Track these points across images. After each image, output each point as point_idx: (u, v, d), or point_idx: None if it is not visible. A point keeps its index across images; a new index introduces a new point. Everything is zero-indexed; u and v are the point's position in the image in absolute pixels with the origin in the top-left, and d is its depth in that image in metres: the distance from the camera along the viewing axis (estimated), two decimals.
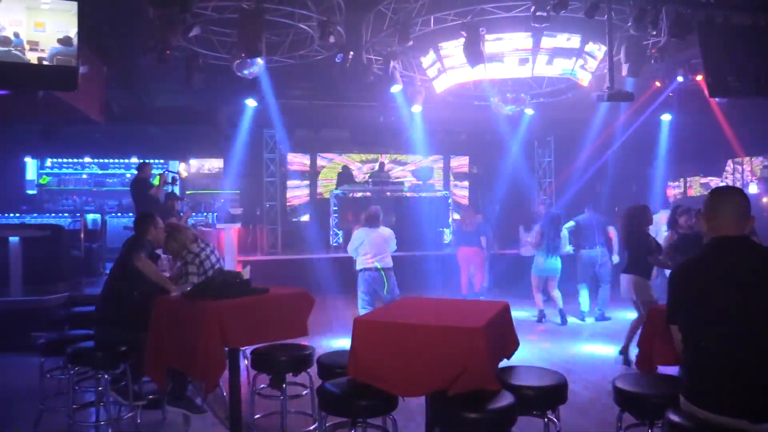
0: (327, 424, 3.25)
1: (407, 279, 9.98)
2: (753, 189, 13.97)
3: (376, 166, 14.93)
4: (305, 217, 15.43)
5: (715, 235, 2.52)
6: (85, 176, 14.13)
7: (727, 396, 2.30)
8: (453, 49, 9.30)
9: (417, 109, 11.58)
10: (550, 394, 3.11)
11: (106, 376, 4.14)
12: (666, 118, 13.07)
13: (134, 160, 13.73)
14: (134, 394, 4.30)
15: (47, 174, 13.84)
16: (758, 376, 2.26)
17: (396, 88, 9.92)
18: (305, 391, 4.30)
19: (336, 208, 13.43)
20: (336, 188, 14.00)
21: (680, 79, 10.25)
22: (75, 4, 6.74)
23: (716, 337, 2.37)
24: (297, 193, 15.63)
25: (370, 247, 7.27)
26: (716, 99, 9.33)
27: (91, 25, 7.80)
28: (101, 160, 14.19)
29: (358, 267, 7.39)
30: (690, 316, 2.50)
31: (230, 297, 3.91)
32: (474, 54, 8.24)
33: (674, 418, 2.40)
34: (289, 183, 15.35)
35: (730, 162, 14.61)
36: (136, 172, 8.98)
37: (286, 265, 11.43)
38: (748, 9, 8.00)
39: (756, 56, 7.57)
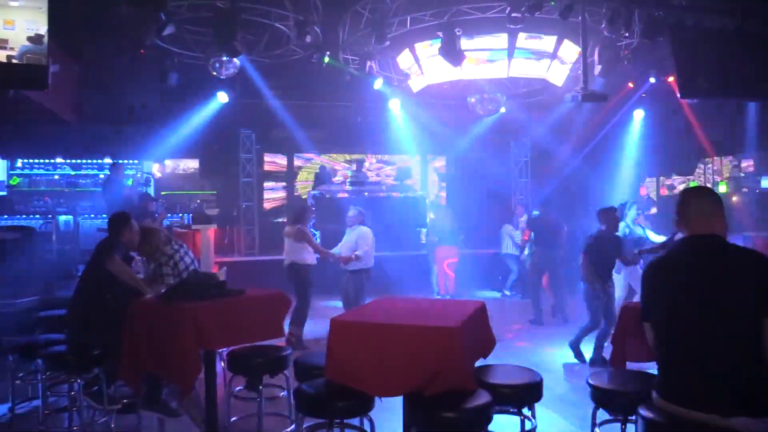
0: (304, 426, 3.24)
1: (384, 279, 10.01)
2: (723, 188, 14.26)
3: (354, 166, 14.91)
4: (282, 218, 15.35)
5: (687, 234, 2.57)
6: (57, 177, 13.84)
7: (698, 391, 2.34)
8: (429, 49, 9.35)
9: (395, 106, 11.59)
10: (526, 392, 3.14)
11: (79, 381, 4.07)
12: (639, 118, 13.27)
13: (107, 160, 13.51)
14: (108, 399, 4.23)
15: (18, 175, 13.52)
16: (727, 371, 2.31)
17: (378, 83, 9.94)
18: (282, 393, 4.28)
19: (314, 208, 13.37)
20: (313, 189, 13.94)
21: (652, 80, 10.44)
22: (45, 1, 6.61)
23: (686, 334, 2.42)
24: (274, 193, 15.55)
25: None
26: (687, 100, 9.50)
27: (62, 24, 7.66)
28: (74, 161, 13.91)
29: (368, 265, 7.39)
30: (662, 314, 2.54)
31: (206, 299, 3.86)
32: (450, 54, 8.29)
33: (647, 413, 2.44)
34: (266, 183, 15.26)
35: (701, 161, 14.90)
36: (109, 172, 8.83)
37: (263, 267, 11.35)
38: (718, 13, 8.18)
39: (725, 59, 7.73)
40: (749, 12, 8.03)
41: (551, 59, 9.55)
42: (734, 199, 13.91)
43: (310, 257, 7.40)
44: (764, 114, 11.06)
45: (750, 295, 2.32)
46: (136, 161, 13.53)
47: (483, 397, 2.83)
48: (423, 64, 9.88)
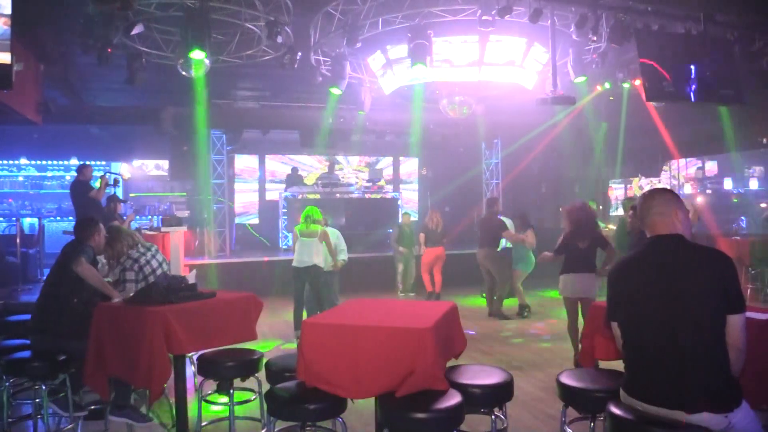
0: (276, 429, 3.21)
1: (355, 280, 10.01)
2: (688, 189, 14.62)
3: (326, 167, 14.89)
4: (254, 220, 15.26)
5: (650, 234, 2.62)
6: (21, 178, 13.56)
7: (663, 388, 2.40)
8: (401, 51, 9.39)
9: (365, 110, 11.63)
10: (497, 392, 3.17)
11: (43, 387, 3.98)
12: (606, 121, 13.51)
13: (74, 161, 13.26)
14: (74, 405, 4.14)
15: None
16: (691, 368, 2.36)
17: (336, 91, 9.90)
18: (253, 396, 4.24)
19: (285, 209, 13.32)
20: (285, 190, 13.88)
21: (619, 83, 10.63)
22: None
23: (651, 332, 2.47)
24: (245, 194, 15.43)
25: None
26: (653, 103, 9.71)
27: (27, 22, 7.49)
28: (39, 162, 13.65)
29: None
30: (627, 313, 2.59)
31: (175, 302, 3.82)
32: (421, 56, 8.32)
33: (615, 410, 2.49)
34: (237, 185, 15.14)
35: (667, 163, 15.25)
36: (75, 174, 8.64)
37: (234, 269, 11.25)
38: (682, 18, 8.38)
39: (689, 63, 7.92)
40: (711, 18, 8.25)
41: (521, 63, 9.67)
42: (699, 199, 14.26)
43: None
44: (727, 117, 11.35)
45: (712, 293, 2.38)
46: (103, 162, 13.31)
47: (454, 398, 2.85)
48: (395, 65, 9.92)
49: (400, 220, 12.06)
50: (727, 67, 8.20)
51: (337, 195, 13.57)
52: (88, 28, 7.61)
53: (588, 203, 6.44)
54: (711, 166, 15.18)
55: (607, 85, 10.69)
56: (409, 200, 16.48)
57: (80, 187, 8.35)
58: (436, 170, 16.35)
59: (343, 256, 7.64)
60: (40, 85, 10.02)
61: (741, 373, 2.43)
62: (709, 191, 14.69)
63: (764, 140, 12.07)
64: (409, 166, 17.05)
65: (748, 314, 2.57)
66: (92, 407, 4.37)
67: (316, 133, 13.15)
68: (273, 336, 7.73)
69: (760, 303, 8.88)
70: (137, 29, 7.86)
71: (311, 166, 15.85)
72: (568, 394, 3.13)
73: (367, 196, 14.16)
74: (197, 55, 7.63)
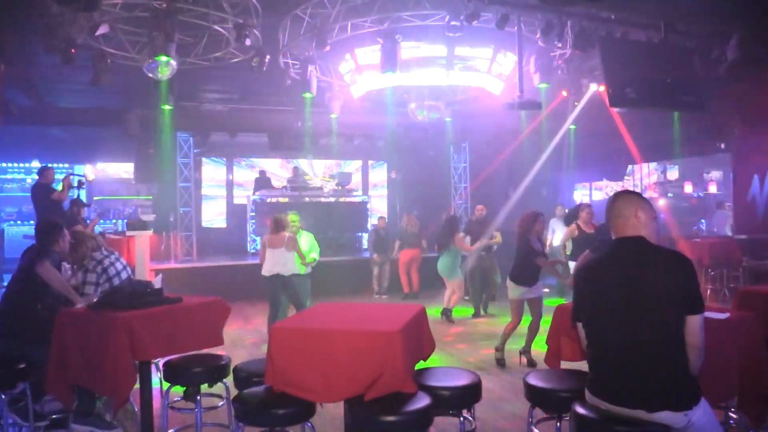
0: None
1: (326, 283, 9.99)
2: (650, 192, 14.97)
3: (294, 171, 14.81)
4: (221, 224, 15.09)
5: (615, 236, 2.68)
6: None
7: (625, 388, 2.45)
8: (370, 55, 9.42)
9: (335, 114, 11.64)
10: (465, 394, 3.20)
11: (2, 396, 3.87)
12: (572, 125, 13.74)
13: (35, 163, 12.94)
14: (35, 414, 4.04)
15: None
16: (652, 368, 2.42)
17: (308, 95, 9.91)
18: (221, 402, 4.20)
19: (253, 213, 13.22)
20: (253, 194, 13.76)
21: (584, 89, 10.84)
22: None
23: (613, 333, 2.53)
24: (213, 198, 15.25)
25: None
26: (616, 108, 9.90)
27: None
28: None
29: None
30: (590, 314, 2.65)
31: (140, 307, 3.75)
32: (390, 60, 8.37)
33: (580, 410, 2.54)
34: (204, 188, 14.95)
35: (630, 167, 15.60)
36: (37, 176, 8.42)
37: (201, 273, 11.12)
38: (644, 26, 8.59)
39: (651, 70, 8.12)
40: (672, 26, 8.48)
41: (488, 68, 9.80)
42: (661, 202, 14.62)
43: None
44: (687, 123, 11.67)
45: (672, 294, 2.44)
46: (66, 165, 13.02)
47: (423, 400, 2.87)
48: (364, 70, 9.94)
49: (374, 224, 12.08)
50: (687, 74, 8.42)
51: (306, 199, 13.51)
52: (52, 27, 7.45)
53: (536, 213, 6.38)
54: (672, 171, 15.58)
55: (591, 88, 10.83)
56: (378, 204, 16.50)
57: (41, 191, 8.15)
58: (404, 174, 16.41)
59: (315, 256, 7.63)
60: (1, 86, 9.75)
61: (700, 372, 2.50)
62: (670, 195, 15.08)
63: (722, 145, 12.42)
64: (378, 170, 17.07)
65: (707, 314, 2.65)
66: (54, 416, 4.26)
67: (284, 136, 13.07)
68: (241, 341, 7.65)
69: (718, 303, 9.14)
70: (102, 30, 7.72)
71: (280, 169, 15.75)
72: (534, 395, 3.18)
73: (336, 199, 14.13)
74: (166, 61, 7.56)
